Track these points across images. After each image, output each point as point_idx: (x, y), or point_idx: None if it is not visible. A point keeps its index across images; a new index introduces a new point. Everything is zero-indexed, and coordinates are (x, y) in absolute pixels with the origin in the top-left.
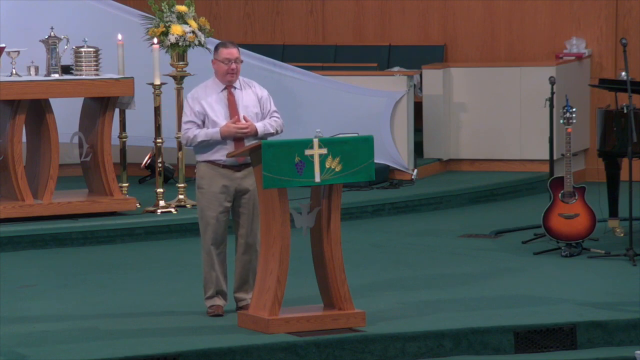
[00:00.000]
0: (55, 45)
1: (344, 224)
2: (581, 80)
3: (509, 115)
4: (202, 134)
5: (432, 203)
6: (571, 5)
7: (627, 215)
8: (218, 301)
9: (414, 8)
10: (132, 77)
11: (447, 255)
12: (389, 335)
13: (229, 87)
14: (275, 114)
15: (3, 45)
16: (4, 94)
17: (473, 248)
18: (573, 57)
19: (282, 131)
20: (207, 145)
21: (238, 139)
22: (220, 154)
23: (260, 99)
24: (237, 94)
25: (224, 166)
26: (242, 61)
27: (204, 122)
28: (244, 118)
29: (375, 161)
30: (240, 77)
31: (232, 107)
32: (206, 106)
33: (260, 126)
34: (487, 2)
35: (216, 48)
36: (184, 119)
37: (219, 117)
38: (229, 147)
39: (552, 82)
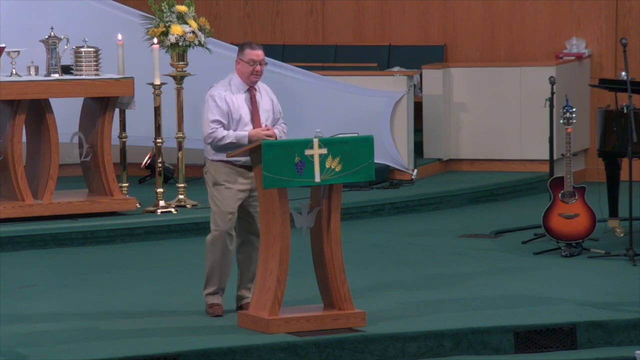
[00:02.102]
0: (55, 45)
1: (344, 224)
2: (581, 80)
3: (509, 115)
4: (231, 136)
5: (432, 203)
6: (571, 5)
7: (627, 215)
8: (219, 300)
9: (414, 8)
10: (132, 77)
11: (447, 255)
12: (389, 335)
13: (251, 89)
14: (282, 119)
15: (3, 45)
16: (4, 94)
17: (473, 248)
18: (573, 57)
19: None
20: (230, 147)
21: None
22: (238, 155)
23: (273, 104)
24: (258, 97)
25: (241, 166)
26: (266, 64)
27: (228, 121)
28: (266, 126)
29: (375, 161)
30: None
31: (255, 110)
32: (232, 106)
33: (277, 133)
34: (487, 2)
35: (242, 48)
36: (210, 117)
37: (244, 118)
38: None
39: (552, 82)
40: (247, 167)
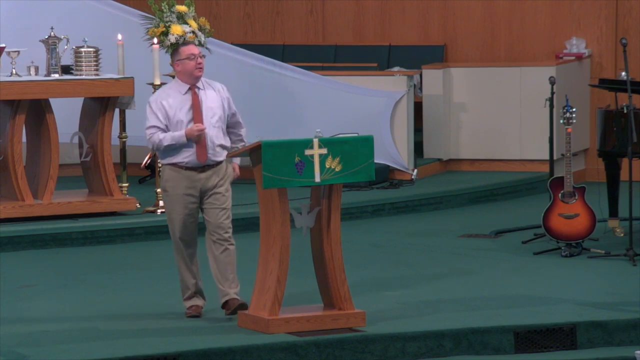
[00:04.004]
0: (55, 45)
1: (344, 224)
2: (581, 80)
3: (509, 115)
4: (168, 138)
5: (432, 203)
6: (571, 5)
7: (627, 215)
8: (197, 301)
9: (414, 8)
10: (132, 77)
11: (447, 255)
12: (389, 335)
13: (192, 87)
14: (238, 118)
15: (3, 45)
16: (4, 94)
17: (473, 248)
18: (573, 57)
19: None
20: (172, 148)
21: (201, 142)
22: (182, 156)
23: (223, 100)
24: (201, 94)
25: (187, 168)
26: (204, 56)
27: (167, 126)
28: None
29: (375, 161)
30: (202, 78)
31: (196, 109)
32: (169, 109)
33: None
34: (487, 2)
35: (175, 52)
36: (147, 124)
37: (183, 118)
38: (192, 150)
39: (552, 82)
40: (196, 169)
